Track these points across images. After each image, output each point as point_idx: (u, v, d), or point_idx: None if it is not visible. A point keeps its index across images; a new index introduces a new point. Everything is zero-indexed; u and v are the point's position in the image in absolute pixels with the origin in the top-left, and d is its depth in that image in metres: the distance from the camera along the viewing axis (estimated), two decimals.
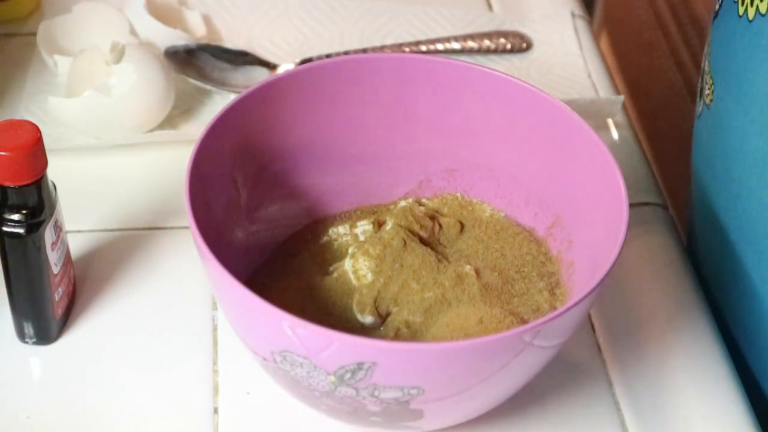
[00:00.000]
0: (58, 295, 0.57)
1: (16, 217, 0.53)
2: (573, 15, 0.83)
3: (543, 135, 0.57)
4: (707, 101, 0.60)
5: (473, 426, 0.55)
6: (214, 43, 0.77)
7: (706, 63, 0.60)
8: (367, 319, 0.55)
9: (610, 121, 0.74)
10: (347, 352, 0.46)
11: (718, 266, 0.63)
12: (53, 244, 0.55)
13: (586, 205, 0.55)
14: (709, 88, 0.60)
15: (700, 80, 0.62)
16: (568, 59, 0.79)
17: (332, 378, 0.47)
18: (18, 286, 0.56)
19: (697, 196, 0.65)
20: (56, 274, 0.56)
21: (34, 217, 0.54)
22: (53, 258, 0.55)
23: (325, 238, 0.60)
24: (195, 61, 0.74)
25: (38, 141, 0.52)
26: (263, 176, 0.59)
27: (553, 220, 0.58)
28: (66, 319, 0.59)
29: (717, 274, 0.64)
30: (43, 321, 0.57)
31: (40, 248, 0.54)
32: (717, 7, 0.59)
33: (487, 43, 0.78)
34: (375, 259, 0.56)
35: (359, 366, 0.46)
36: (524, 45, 0.79)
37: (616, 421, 0.57)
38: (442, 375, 0.47)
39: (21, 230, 0.53)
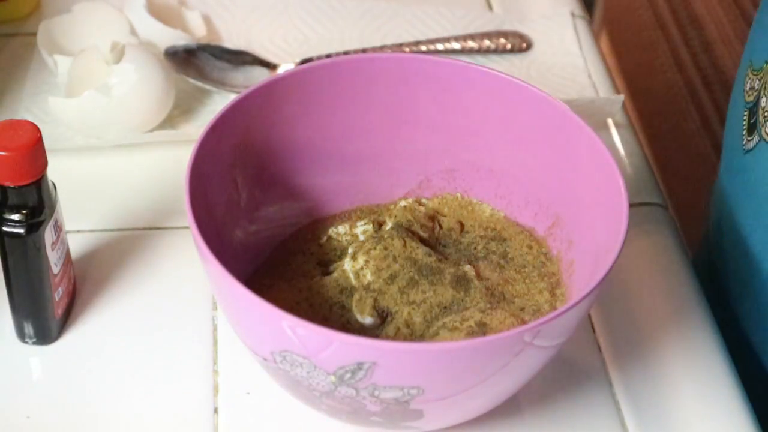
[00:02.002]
0: (58, 295, 0.57)
1: (16, 217, 0.53)
2: (573, 15, 0.83)
3: (543, 135, 0.57)
4: None
5: (473, 426, 0.55)
6: (214, 43, 0.77)
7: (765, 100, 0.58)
8: (367, 319, 0.55)
9: (610, 121, 0.74)
10: (347, 352, 0.46)
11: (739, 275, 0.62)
12: (53, 244, 0.55)
13: (586, 205, 0.55)
14: None
15: (753, 115, 0.60)
16: (568, 59, 0.79)
17: (332, 378, 0.47)
18: (18, 286, 0.56)
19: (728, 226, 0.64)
20: (56, 274, 0.56)
21: (34, 217, 0.54)
22: (53, 258, 0.55)
23: (325, 238, 0.60)
24: (195, 61, 0.74)
25: (38, 141, 0.52)
26: (263, 176, 0.59)
27: (553, 220, 0.58)
28: (66, 319, 0.59)
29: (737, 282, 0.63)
30: (43, 321, 0.57)
31: (40, 248, 0.54)
32: None
33: (487, 43, 0.78)
34: (375, 259, 0.56)
35: (359, 366, 0.46)
36: (524, 45, 0.79)
37: (616, 421, 0.57)
38: (442, 375, 0.47)
39: (21, 230, 0.53)
